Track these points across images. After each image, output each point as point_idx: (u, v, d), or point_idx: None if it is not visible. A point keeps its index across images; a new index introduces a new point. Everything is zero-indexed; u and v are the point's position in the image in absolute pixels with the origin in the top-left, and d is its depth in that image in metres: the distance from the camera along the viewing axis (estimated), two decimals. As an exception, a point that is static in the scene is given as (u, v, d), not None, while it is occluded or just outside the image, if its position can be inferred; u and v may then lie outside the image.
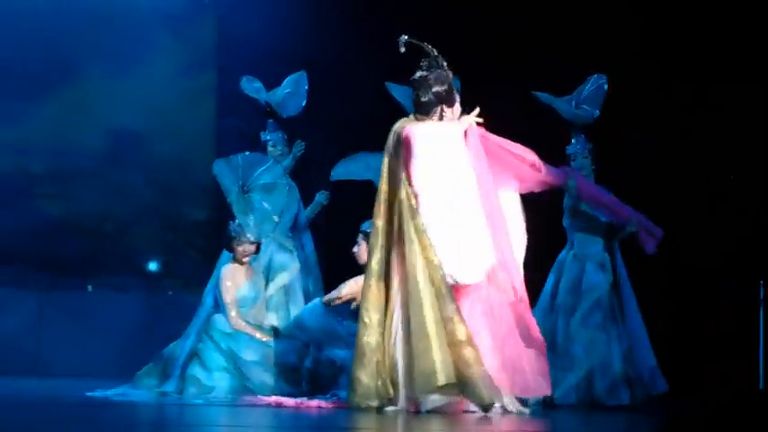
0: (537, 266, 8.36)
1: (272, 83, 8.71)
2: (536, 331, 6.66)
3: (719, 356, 8.16)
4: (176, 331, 8.02)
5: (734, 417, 7.00)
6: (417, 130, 6.62)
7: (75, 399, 7.23)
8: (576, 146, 8.33)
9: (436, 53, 6.77)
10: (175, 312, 8.80)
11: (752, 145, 9.17)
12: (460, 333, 6.36)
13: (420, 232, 6.47)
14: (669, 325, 8.28)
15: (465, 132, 6.73)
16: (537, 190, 6.98)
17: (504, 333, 6.58)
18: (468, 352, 6.34)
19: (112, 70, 11.19)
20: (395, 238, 6.56)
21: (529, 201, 6.99)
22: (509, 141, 6.84)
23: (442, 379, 6.32)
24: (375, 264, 6.59)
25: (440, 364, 6.32)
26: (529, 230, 6.97)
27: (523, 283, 6.68)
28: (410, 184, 6.56)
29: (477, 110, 6.79)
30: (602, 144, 8.33)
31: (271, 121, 8.62)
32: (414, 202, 6.52)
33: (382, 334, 6.50)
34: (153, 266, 11.30)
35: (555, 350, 8.13)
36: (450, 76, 6.79)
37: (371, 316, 6.53)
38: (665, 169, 9.08)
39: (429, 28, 7.19)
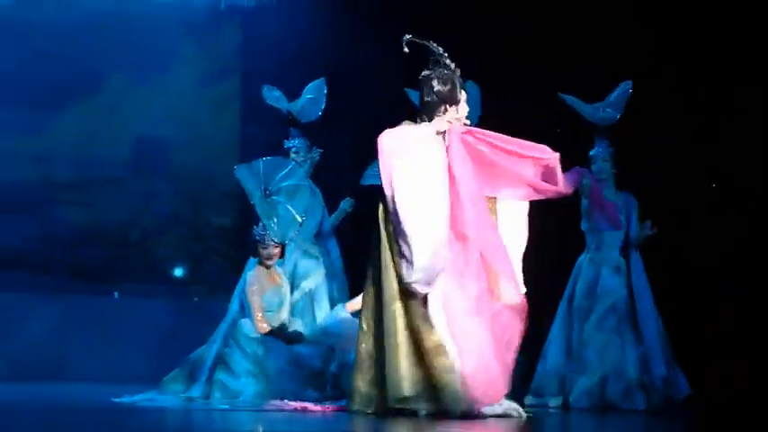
0: (557, 270, 8.40)
1: (295, 89, 8.74)
2: (509, 336, 6.51)
3: (719, 356, 8.15)
4: (202, 337, 8.04)
5: (742, 420, 6.96)
6: (383, 136, 6.52)
7: (102, 404, 7.25)
8: (597, 149, 8.35)
9: (441, 51, 6.66)
10: (201, 318, 8.83)
11: (752, 145, 9.16)
12: (430, 341, 6.28)
13: (390, 240, 6.40)
14: (669, 325, 8.28)
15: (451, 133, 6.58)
16: (535, 198, 6.73)
17: (480, 336, 6.39)
18: (441, 360, 6.26)
19: (136, 79, 11.24)
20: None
21: (550, 204, 6.89)
22: (518, 142, 6.65)
23: (407, 390, 6.27)
24: (373, 271, 6.57)
25: (405, 374, 6.27)
26: (549, 234, 6.94)
27: (517, 291, 6.51)
28: (382, 189, 6.48)
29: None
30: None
31: (293, 128, 8.66)
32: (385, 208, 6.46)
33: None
34: (178, 273, 11.35)
35: (571, 354, 8.15)
36: (456, 74, 6.66)
37: (369, 323, 6.52)
38: (664, 169, 9.06)
39: (449, 30, 7.18)
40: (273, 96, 8.70)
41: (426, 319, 6.32)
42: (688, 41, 9.30)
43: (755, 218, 9.03)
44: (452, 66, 6.67)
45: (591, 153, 8.36)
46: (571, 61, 9.32)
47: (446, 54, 6.67)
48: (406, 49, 6.59)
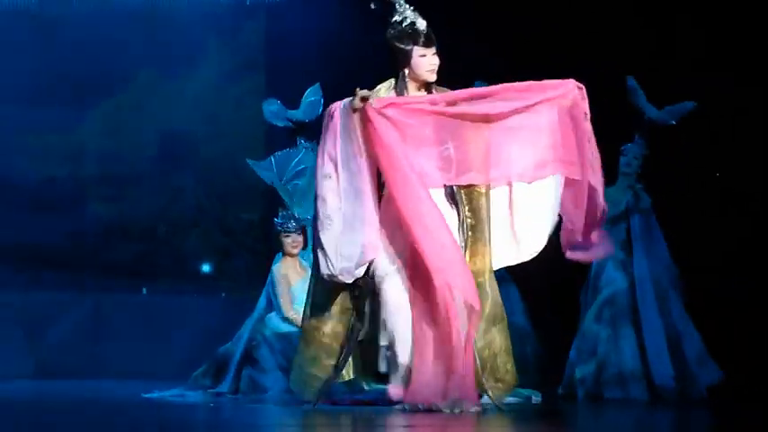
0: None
1: (321, 83, 8.72)
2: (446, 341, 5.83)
3: (720, 357, 8.13)
4: (230, 332, 8.07)
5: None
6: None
7: (132, 400, 7.30)
8: (633, 145, 8.27)
9: (399, 6, 6.00)
10: (229, 313, 8.87)
11: (752, 144, 9.11)
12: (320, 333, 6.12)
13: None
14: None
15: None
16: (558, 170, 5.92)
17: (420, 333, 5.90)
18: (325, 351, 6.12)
19: (163, 74, 11.30)
20: None
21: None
22: (489, 90, 5.94)
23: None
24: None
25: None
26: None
27: (461, 288, 5.80)
28: None
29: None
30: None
31: (298, 137, 8.55)
32: None
33: None
34: (206, 268, 11.39)
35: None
36: (409, 27, 5.95)
37: None
38: (664, 169, 9.02)
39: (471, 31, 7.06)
40: (272, 112, 8.60)
41: (322, 311, 6.13)
42: (688, 41, 9.26)
43: (755, 218, 8.98)
44: (406, 20, 6.00)
45: (625, 145, 8.29)
46: (571, 61, 9.26)
47: (403, 9, 6.01)
48: (372, 6, 6.03)
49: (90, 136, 11.21)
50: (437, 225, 5.81)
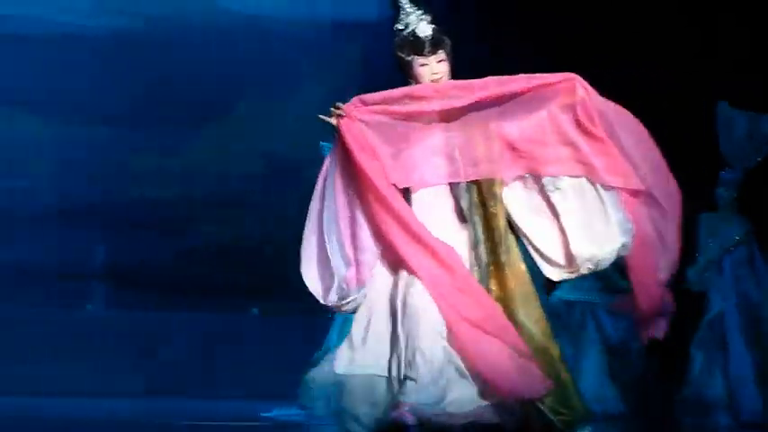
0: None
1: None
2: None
3: None
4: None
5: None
6: None
7: (254, 420, 7.36)
8: (727, 174, 8.32)
9: (403, 10, 5.41)
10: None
11: None
12: None
13: None
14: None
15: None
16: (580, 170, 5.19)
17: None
18: None
19: (267, 98, 11.49)
20: None
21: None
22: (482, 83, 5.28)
23: None
24: None
25: None
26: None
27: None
28: None
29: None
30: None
31: None
32: None
33: None
34: (313, 289, 11.53)
35: None
36: (409, 35, 5.40)
37: None
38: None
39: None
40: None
41: None
42: (691, 40, 9.25)
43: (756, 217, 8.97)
44: (408, 27, 5.43)
45: (722, 171, 8.32)
46: (577, 60, 9.24)
47: (406, 14, 5.41)
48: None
49: (199, 159, 11.41)
50: (420, 239, 5.25)
